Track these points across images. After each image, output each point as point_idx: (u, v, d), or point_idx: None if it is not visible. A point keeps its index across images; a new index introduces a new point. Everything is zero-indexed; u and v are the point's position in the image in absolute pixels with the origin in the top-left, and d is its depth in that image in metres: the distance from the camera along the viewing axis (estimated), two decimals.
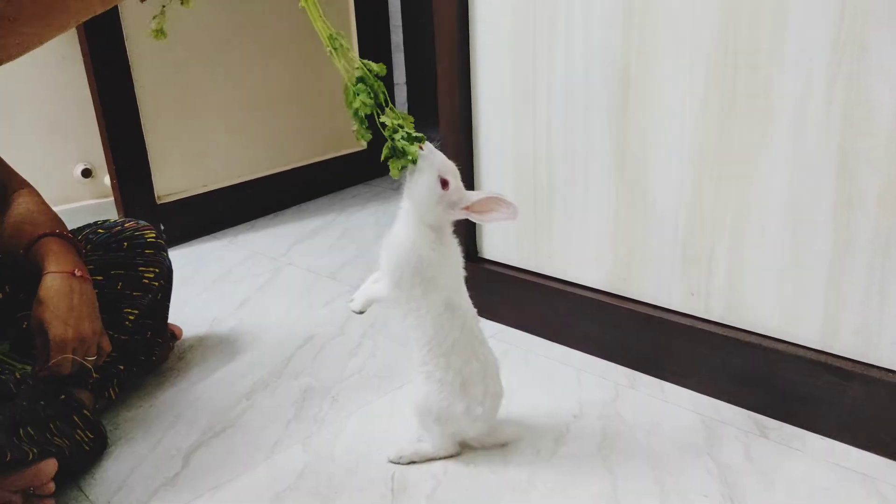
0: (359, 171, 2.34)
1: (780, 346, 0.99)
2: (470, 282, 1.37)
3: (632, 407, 1.06)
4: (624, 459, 0.95)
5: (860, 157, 0.87)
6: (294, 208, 2.14)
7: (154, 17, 0.90)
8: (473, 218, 0.87)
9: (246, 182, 2.02)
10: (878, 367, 0.92)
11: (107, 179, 1.86)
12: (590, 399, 1.09)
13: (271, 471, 0.96)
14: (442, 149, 1.20)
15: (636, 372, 1.15)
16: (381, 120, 0.81)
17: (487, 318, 1.35)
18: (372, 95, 0.80)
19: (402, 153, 0.82)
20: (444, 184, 0.84)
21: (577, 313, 1.22)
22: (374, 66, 0.82)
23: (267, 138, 2.08)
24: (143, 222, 1.18)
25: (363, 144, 2.34)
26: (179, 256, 1.78)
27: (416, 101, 2.58)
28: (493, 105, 1.25)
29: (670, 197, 1.06)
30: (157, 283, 1.14)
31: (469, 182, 1.32)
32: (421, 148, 0.83)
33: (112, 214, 1.88)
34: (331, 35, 0.81)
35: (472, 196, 0.86)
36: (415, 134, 0.83)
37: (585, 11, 1.07)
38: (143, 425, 1.08)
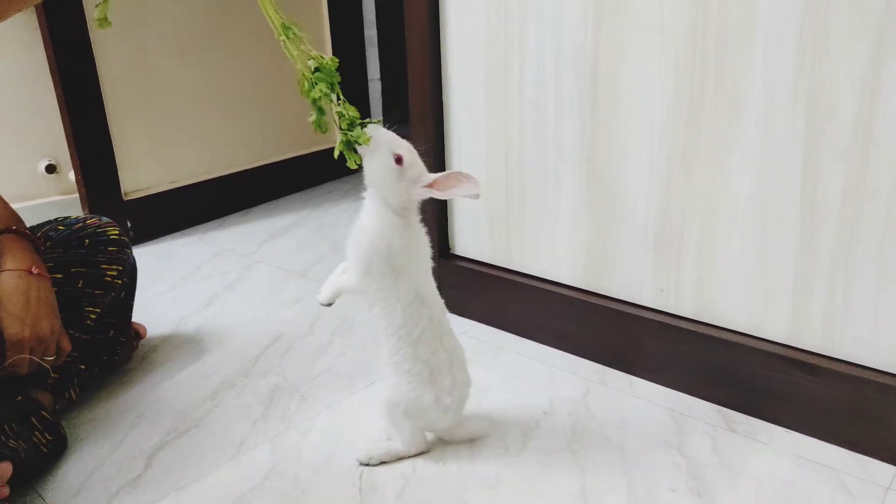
0: (333, 168, 2.32)
1: (748, 342, 1.00)
2: (442, 278, 1.36)
3: (602, 403, 1.06)
4: (593, 454, 0.95)
5: (824, 154, 0.88)
6: (266, 205, 2.11)
7: (97, 6, 0.86)
8: (436, 194, 0.85)
9: (216, 178, 1.98)
10: (842, 362, 0.93)
11: (71, 175, 1.82)
12: (560, 395, 1.09)
13: (237, 471, 0.94)
14: (413, 143, 1.19)
15: (607, 368, 1.15)
16: (337, 111, 0.80)
17: (459, 315, 1.35)
18: (330, 86, 0.79)
19: (356, 144, 0.81)
20: (399, 160, 0.82)
21: (549, 310, 1.21)
22: (327, 59, 0.80)
23: (238, 133, 2.05)
24: (105, 219, 1.15)
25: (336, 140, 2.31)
26: (146, 254, 1.74)
27: (390, 96, 2.56)
28: (464, 101, 1.24)
29: (640, 193, 1.06)
30: (120, 281, 1.11)
31: None
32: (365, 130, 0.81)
33: (77, 211, 1.83)
34: (283, 24, 0.79)
35: (434, 175, 0.85)
36: (366, 120, 0.82)
37: (556, 8, 1.06)
38: (104, 426, 1.05)
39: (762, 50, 0.89)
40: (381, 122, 0.84)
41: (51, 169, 1.89)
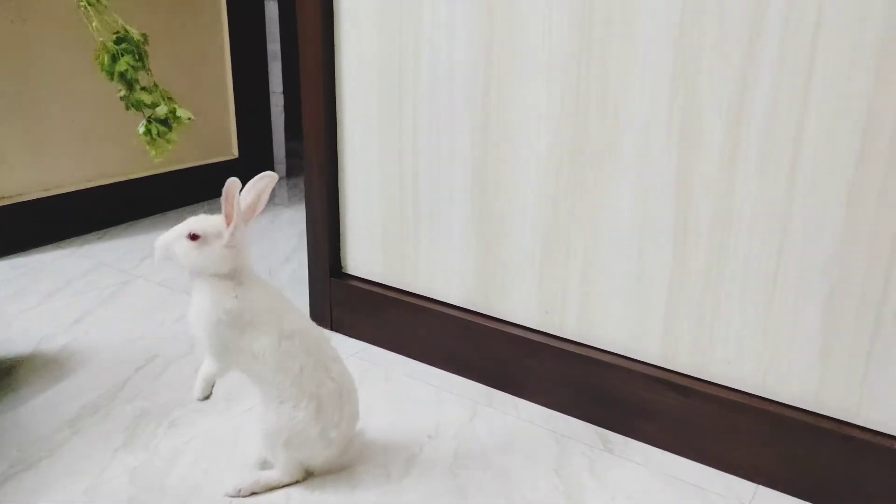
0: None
1: (626, 363, 1.02)
2: (332, 297, 1.33)
3: (487, 425, 1.06)
4: (475, 479, 0.93)
5: (695, 182, 0.92)
6: (152, 218, 1.99)
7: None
8: (251, 217, 0.84)
9: (97, 187, 1.85)
10: (711, 383, 0.97)
11: None
12: (447, 418, 1.07)
13: None
14: (306, 160, 1.15)
15: (494, 389, 1.15)
16: (138, 97, 0.76)
17: (349, 336, 1.31)
18: (138, 58, 0.75)
19: (165, 131, 0.77)
20: (193, 237, 0.81)
21: (440, 331, 1.20)
22: (135, 32, 0.76)
23: (124, 139, 1.92)
24: None
25: (234, 153, 2.23)
26: (11, 267, 1.60)
27: (293, 110, 2.51)
28: (358, 118, 1.22)
29: (528, 217, 1.08)
30: None
31: (334, 196, 1.28)
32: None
33: None
34: None
35: (235, 220, 0.82)
36: (179, 112, 0.78)
37: (449, 33, 1.07)
38: None
39: (640, 81, 0.93)
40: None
41: None
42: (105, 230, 1.87)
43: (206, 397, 0.87)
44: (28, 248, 1.71)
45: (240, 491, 0.88)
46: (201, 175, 2.13)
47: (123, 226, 1.91)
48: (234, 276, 0.84)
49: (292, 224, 1.97)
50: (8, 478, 0.91)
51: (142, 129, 0.75)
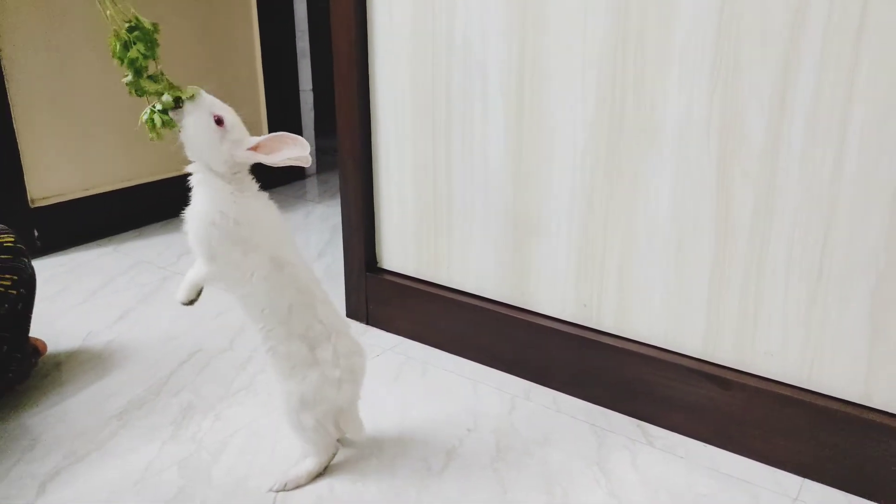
0: (261, 178, 2.25)
1: (665, 356, 1.01)
2: (368, 292, 1.34)
3: (526, 418, 1.06)
4: (515, 472, 0.94)
5: (735, 174, 0.91)
6: None
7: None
8: (261, 158, 0.80)
9: (134, 186, 1.89)
10: (754, 376, 0.96)
11: None
12: (485, 411, 1.08)
13: (140, 497, 0.88)
14: (340, 156, 1.17)
15: (531, 383, 1.15)
16: (143, 85, 0.77)
17: (385, 330, 1.32)
18: (148, 47, 0.77)
19: (169, 120, 0.79)
20: (219, 121, 0.78)
21: (476, 324, 1.21)
22: (147, 23, 0.78)
23: (160, 140, 1.96)
24: (0, 225, 1.07)
25: None
26: (54, 265, 1.64)
27: (322, 107, 2.53)
28: (392, 114, 1.23)
29: (564, 209, 1.07)
30: (14, 292, 1.03)
31: (368, 192, 1.29)
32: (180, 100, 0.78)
33: None
34: None
35: (258, 137, 0.81)
36: (185, 92, 0.79)
37: (482, 25, 1.07)
38: None
39: (678, 74, 0.92)
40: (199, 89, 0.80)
41: None
42: (142, 228, 1.91)
43: (191, 302, 0.83)
44: (70, 246, 1.75)
45: (285, 485, 0.90)
46: None
47: (160, 224, 1.95)
48: (235, 181, 0.81)
49: (324, 220, 1.99)
50: (61, 469, 0.93)
51: (145, 117, 0.78)
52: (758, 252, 0.92)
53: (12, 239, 1.05)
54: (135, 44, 0.77)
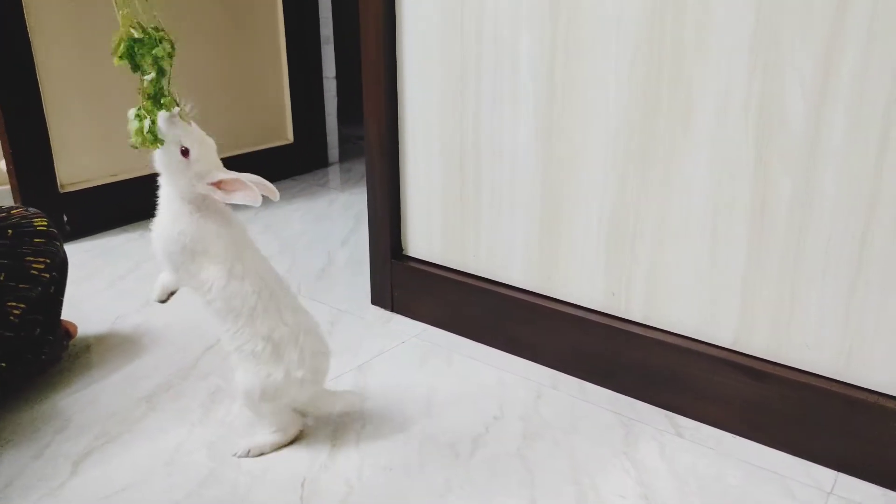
0: (284, 166, 2.26)
1: (697, 346, 1.00)
2: (394, 279, 1.34)
3: (553, 407, 1.05)
4: (542, 460, 0.93)
5: (773, 160, 0.89)
6: None
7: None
8: (218, 196, 0.86)
9: None
10: (788, 367, 0.94)
11: (2, 164, 1.72)
12: (511, 399, 1.07)
13: (170, 478, 0.89)
14: (367, 143, 1.17)
15: (558, 372, 1.14)
16: (150, 80, 0.78)
17: (410, 317, 1.32)
18: (170, 55, 0.79)
19: (152, 134, 0.81)
20: (185, 152, 0.83)
21: (502, 313, 1.20)
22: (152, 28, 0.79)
23: None
24: (33, 209, 1.08)
25: (289, 138, 2.26)
26: (83, 250, 1.66)
27: (346, 94, 2.52)
28: (419, 99, 1.22)
29: (594, 197, 1.06)
30: (47, 275, 1.04)
31: (395, 178, 1.29)
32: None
33: (8, 202, 1.73)
34: None
35: (221, 174, 0.86)
36: (166, 100, 0.81)
37: (513, 6, 1.05)
38: (27, 431, 0.98)
39: (716, 55, 0.90)
40: (185, 109, 0.84)
41: None
42: None
43: (163, 301, 0.92)
44: (97, 231, 1.77)
45: (249, 451, 0.93)
46: (258, 159, 2.17)
47: None
48: (195, 202, 0.86)
49: (347, 207, 1.99)
50: (93, 449, 0.95)
51: (132, 115, 0.79)
52: (795, 241, 0.90)
53: (45, 223, 1.07)
54: (160, 42, 0.78)
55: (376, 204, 1.32)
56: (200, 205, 0.86)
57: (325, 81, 2.34)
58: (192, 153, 0.84)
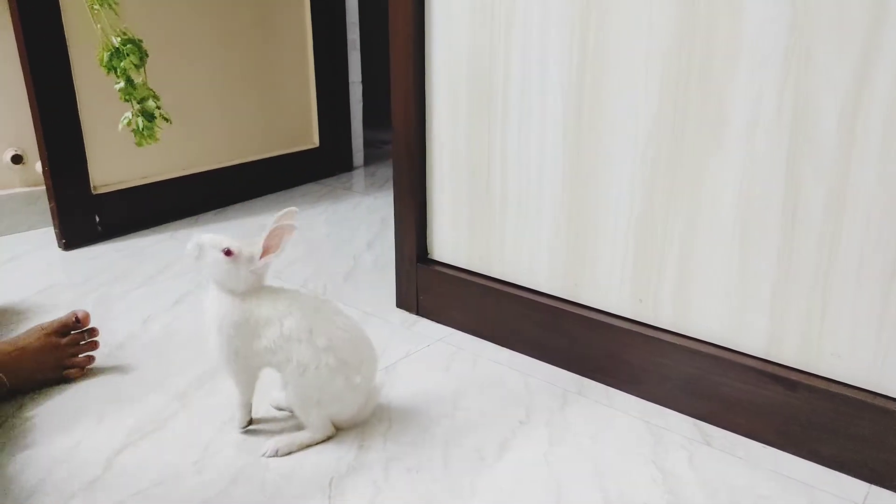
0: (310, 169, 2.29)
1: (726, 355, 0.99)
2: (419, 283, 1.34)
3: (579, 414, 1.05)
4: (569, 466, 0.93)
5: (805, 169, 0.88)
6: (241, 204, 2.07)
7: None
8: (274, 257, 0.90)
9: (190, 175, 1.94)
10: (820, 377, 0.93)
11: (38, 166, 1.76)
12: (537, 404, 1.07)
13: (201, 475, 0.91)
14: (394, 147, 1.18)
15: (584, 378, 1.14)
16: (137, 92, 0.83)
17: (435, 321, 1.33)
18: (140, 58, 0.84)
19: (150, 122, 0.85)
20: (228, 252, 0.88)
21: (527, 317, 1.20)
22: (136, 37, 0.84)
23: (215, 131, 2.01)
24: None
25: (315, 142, 2.29)
26: (115, 250, 1.69)
27: (371, 99, 2.54)
28: (447, 105, 1.22)
29: (622, 203, 1.05)
30: None
31: (421, 183, 1.30)
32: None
33: (43, 203, 1.77)
34: None
35: (257, 246, 0.89)
36: (161, 112, 0.86)
37: (542, 15, 1.06)
38: (60, 427, 1.01)
39: (747, 64, 0.89)
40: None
41: (17, 159, 1.83)
42: (197, 216, 1.95)
43: (249, 423, 0.98)
44: (128, 232, 1.81)
45: (277, 451, 0.94)
46: (285, 164, 2.20)
47: (213, 212, 1.99)
48: (244, 294, 0.91)
49: (372, 211, 2.01)
50: (127, 445, 0.96)
51: (124, 122, 0.85)
52: (827, 249, 0.89)
53: None
54: (128, 55, 0.84)
55: (403, 207, 1.33)
56: (247, 294, 0.91)
57: (350, 86, 2.37)
58: (233, 247, 0.88)
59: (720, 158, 0.94)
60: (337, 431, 0.98)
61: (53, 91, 1.61)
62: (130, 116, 0.85)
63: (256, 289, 0.92)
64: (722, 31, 0.90)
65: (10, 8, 1.55)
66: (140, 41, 0.85)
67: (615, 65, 1.01)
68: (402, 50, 1.23)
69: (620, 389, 1.11)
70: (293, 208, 0.91)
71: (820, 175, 0.87)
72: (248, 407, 0.98)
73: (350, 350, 0.93)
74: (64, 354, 1.10)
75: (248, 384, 0.96)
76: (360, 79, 2.39)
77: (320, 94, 2.25)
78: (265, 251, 0.89)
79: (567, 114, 1.08)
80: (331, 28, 2.23)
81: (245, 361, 0.92)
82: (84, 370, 1.13)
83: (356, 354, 0.94)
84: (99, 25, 0.81)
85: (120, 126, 0.86)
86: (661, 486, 0.89)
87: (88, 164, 1.71)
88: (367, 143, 2.59)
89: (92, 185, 1.73)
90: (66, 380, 1.11)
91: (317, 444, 0.96)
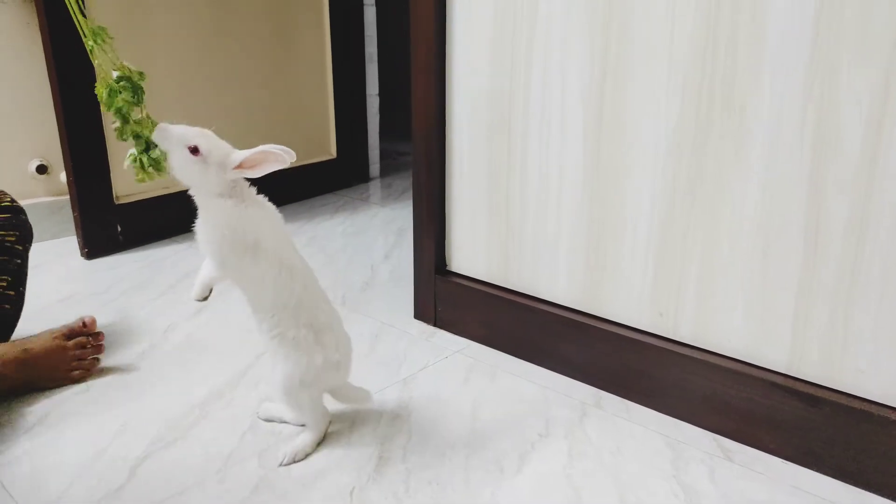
0: (327, 180, 2.31)
1: (747, 370, 0.99)
2: (437, 295, 1.35)
3: (598, 427, 1.05)
4: (588, 480, 0.93)
5: (829, 183, 0.88)
6: None
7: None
8: (248, 174, 0.86)
9: None
10: (843, 393, 0.93)
11: (63, 176, 1.79)
12: (556, 417, 1.07)
13: (223, 485, 0.92)
14: (414, 159, 1.19)
15: (603, 391, 1.14)
16: (134, 129, 0.82)
17: (453, 333, 1.33)
18: (133, 95, 0.82)
19: (155, 163, 0.84)
20: (194, 150, 0.83)
21: (546, 330, 1.20)
22: (135, 72, 0.83)
23: (234, 142, 2.02)
24: None
25: (332, 154, 2.31)
26: (136, 260, 1.71)
27: (388, 112, 2.56)
28: (467, 118, 1.24)
29: (643, 217, 1.06)
30: (20, 247, 1.15)
31: (441, 194, 1.31)
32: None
33: (67, 212, 1.80)
34: (93, 30, 0.81)
35: (240, 154, 0.85)
36: (160, 151, 0.84)
37: (563, 29, 1.07)
38: (87, 434, 1.02)
39: (770, 78, 0.90)
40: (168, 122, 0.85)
41: (42, 169, 1.87)
42: None
43: (204, 299, 0.91)
44: (148, 242, 1.83)
45: (294, 456, 0.95)
46: (302, 175, 2.22)
47: None
48: (234, 195, 0.86)
49: (389, 222, 2.02)
50: (150, 454, 0.98)
51: (129, 161, 0.84)
52: (850, 264, 0.89)
53: (9, 200, 1.16)
54: (120, 93, 0.83)
55: (422, 219, 1.34)
56: (236, 196, 0.87)
57: (368, 98, 2.39)
58: (202, 146, 0.84)
59: (742, 172, 0.95)
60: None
61: (79, 103, 1.64)
62: (136, 153, 0.85)
63: (248, 192, 0.88)
64: (743, 45, 0.91)
65: (40, 22, 1.59)
66: (140, 74, 0.84)
67: (635, 79, 1.02)
68: (422, 62, 1.25)
69: (639, 403, 1.10)
70: (292, 153, 0.86)
71: (843, 188, 0.87)
72: (210, 288, 0.91)
73: (328, 331, 0.94)
74: (70, 356, 1.15)
75: (227, 276, 0.90)
76: (377, 91, 2.41)
77: (338, 106, 2.27)
78: (241, 164, 0.85)
79: (587, 127, 1.08)
80: (348, 41, 2.26)
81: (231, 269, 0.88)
82: (90, 371, 1.17)
83: (333, 335, 0.95)
84: (97, 61, 0.81)
85: (125, 164, 0.85)
86: (683, 501, 0.89)
87: (111, 175, 1.74)
88: (384, 155, 2.61)
89: (114, 196, 1.76)
90: (73, 380, 1.15)
91: (322, 436, 0.99)
